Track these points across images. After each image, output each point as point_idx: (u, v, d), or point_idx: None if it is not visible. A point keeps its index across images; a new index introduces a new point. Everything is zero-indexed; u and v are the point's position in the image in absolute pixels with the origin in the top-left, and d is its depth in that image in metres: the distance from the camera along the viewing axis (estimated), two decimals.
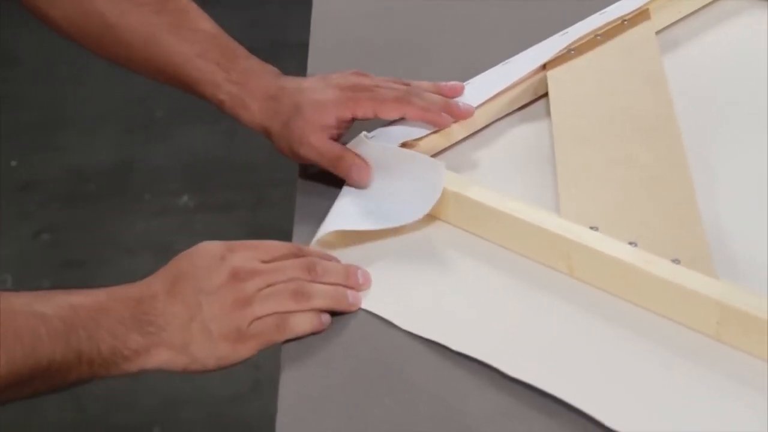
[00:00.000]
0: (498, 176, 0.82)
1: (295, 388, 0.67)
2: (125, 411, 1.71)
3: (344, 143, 0.82)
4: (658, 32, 0.96)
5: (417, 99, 0.82)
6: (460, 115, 0.84)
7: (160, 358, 0.69)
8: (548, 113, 0.87)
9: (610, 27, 0.94)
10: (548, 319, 0.69)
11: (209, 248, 0.72)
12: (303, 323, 0.71)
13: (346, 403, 0.65)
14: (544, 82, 0.90)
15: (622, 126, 0.83)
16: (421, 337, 0.69)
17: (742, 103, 0.89)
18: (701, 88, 0.91)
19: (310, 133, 0.81)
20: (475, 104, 0.85)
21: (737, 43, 0.97)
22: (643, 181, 0.77)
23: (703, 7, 1.01)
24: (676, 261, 0.69)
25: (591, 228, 0.72)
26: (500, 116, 0.88)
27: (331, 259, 0.75)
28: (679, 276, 0.67)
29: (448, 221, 0.77)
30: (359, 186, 0.80)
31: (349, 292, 0.72)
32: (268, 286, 0.71)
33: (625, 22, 0.95)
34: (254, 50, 0.89)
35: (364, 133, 0.81)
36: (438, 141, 0.84)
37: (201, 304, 0.70)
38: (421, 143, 0.82)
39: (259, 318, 0.70)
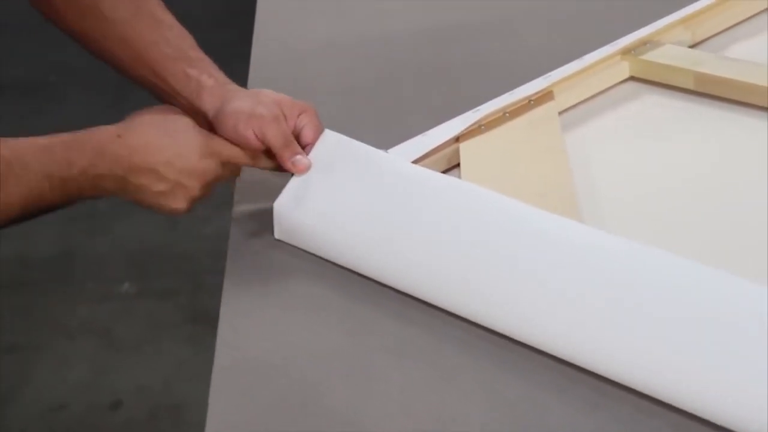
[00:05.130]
0: None
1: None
2: None
3: None
4: (561, 112, 1.06)
5: None
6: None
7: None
8: None
9: (517, 106, 1.04)
10: None
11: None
12: None
13: None
14: (456, 153, 0.99)
15: (524, 190, 0.91)
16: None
17: (632, 171, 0.99)
18: (598, 160, 1.00)
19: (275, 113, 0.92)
20: None
21: (631, 122, 1.07)
22: None
23: (604, 90, 1.11)
24: None
25: None
26: None
27: None
28: None
29: None
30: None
31: None
32: None
33: (531, 102, 1.04)
34: None
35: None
36: None
37: None
38: None
39: None
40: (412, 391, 0.76)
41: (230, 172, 0.93)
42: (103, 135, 0.88)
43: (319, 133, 0.94)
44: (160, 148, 0.88)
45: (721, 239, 0.87)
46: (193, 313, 2.20)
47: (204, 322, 2.16)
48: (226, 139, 0.92)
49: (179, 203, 0.89)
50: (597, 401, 0.73)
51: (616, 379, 0.73)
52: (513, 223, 0.81)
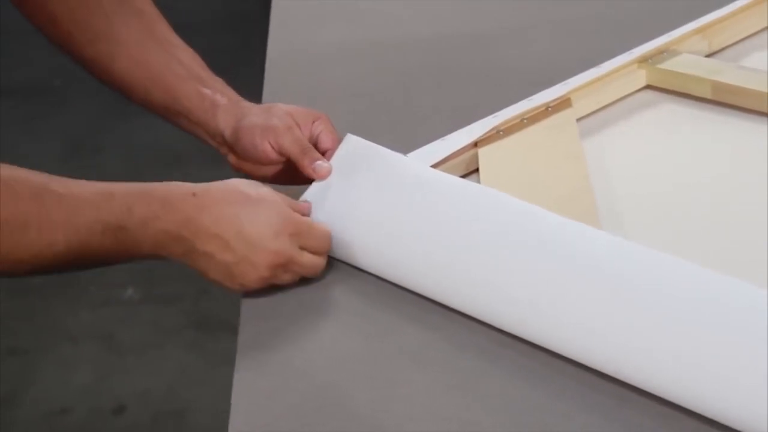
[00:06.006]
0: None
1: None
2: None
3: None
4: (579, 119, 1.06)
5: None
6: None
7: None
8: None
9: (535, 112, 1.04)
10: None
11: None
12: None
13: None
14: (475, 158, 0.99)
15: (543, 195, 0.91)
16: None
17: (650, 178, 0.99)
18: (615, 167, 1.00)
19: (289, 123, 0.92)
20: None
21: (648, 130, 1.07)
22: None
23: (621, 98, 1.11)
24: None
25: None
26: None
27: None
28: None
29: None
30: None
31: None
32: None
33: (549, 109, 1.04)
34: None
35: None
36: None
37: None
38: None
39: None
40: (432, 395, 0.75)
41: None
42: (175, 189, 0.82)
43: (335, 138, 0.94)
44: (235, 216, 0.81)
45: (739, 246, 0.87)
46: (197, 318, 2.19)
47: (208, 327, 2.16)
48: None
49: (248, 279, 0.82)
50: (617, 408, 0.73)
51: (637, 384, 0.73)
52: (532, 229, 0.81)
